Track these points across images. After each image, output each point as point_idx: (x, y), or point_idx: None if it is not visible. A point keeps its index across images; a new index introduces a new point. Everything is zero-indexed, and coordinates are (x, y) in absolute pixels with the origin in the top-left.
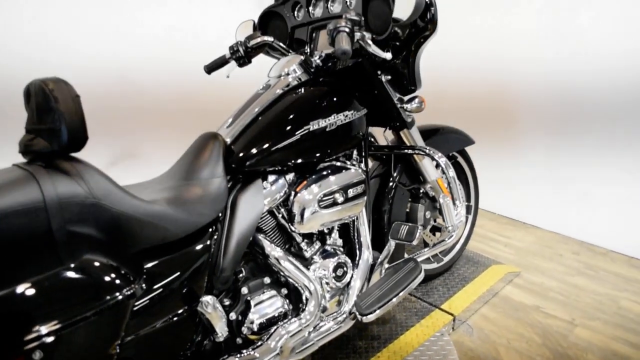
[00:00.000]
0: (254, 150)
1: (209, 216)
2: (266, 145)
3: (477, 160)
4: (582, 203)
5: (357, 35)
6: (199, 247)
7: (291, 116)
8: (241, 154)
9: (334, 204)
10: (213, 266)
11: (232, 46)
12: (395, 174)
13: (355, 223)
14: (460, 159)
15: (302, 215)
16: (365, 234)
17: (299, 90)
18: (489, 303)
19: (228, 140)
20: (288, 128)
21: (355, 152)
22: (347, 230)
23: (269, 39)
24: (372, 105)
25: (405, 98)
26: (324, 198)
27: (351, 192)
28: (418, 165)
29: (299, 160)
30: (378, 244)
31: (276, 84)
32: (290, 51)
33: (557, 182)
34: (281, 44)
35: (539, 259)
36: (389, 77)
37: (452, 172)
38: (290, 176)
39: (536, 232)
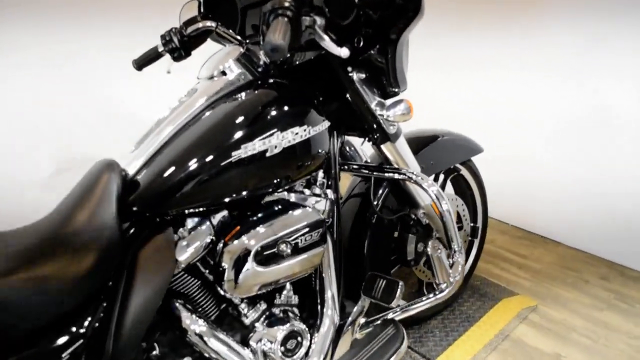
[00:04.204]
0: (163, 186)
1: (88, 289)
2: (181, 178)
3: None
4: (611, 216)
5: (306, 20)
6: (71, 334)
7: (218, 137)
8: (146, 192)
9: (279, 258)
10: (99, 355)
11: (164, 35)
12: (375, 202)
13: (317, 274)
14: (464, 171)
15: (235, 274)
16: (330, 287)
17: (235, 97)
18: (498, 349)
19: (130, 172)
20: (212, 154)
21: (321, 174)
22: (306, 281)
23: (212, 24)
24: (346, 111)
25: (387, 102)
26: (264, 252)
27: (303, 241)
28: (407, 187)
29: (227, 199)
30: (356, 282)
31: (204, 89)
32: (241, 41)
33: (582, 190)
34: (230, 32)
35: (559, 287)
36: (363, 75)
37: (445, 205)
38: (217, 218)
39: (557, 250)
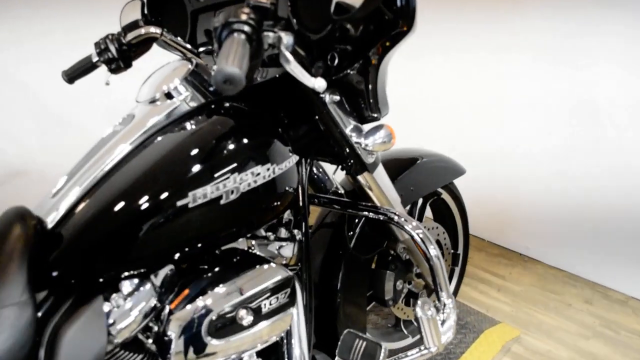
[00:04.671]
0: (91, 244)
1: None
2: (114, 234)
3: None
4: (593, 233)
5: (269, 37)
6: None
7: (159, 181)
8: (69, 251)
9: (239, 327)
10: None
11: (99, 42)
12: (350, 233)
13: (284, 338)
14: (445, 195)
15: (184, 348)
16: (299, 343)
17: (181, 127)
18: None
19: (49, 224)
20: (152, 203)
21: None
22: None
23: (156, 30)
24: (316, 135)
25: (365, 128)
26: (220, 320)
27: (268, 305)
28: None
29: (172, 256)
30: (327, 325)
31: (144, 116)
32: (192, 51)
33: (562, 205)
34: (179, 40)
35: (542, 312)
36: (337, 97)
37: (434, 251)
38: (160, 276)
39: (536, 269)
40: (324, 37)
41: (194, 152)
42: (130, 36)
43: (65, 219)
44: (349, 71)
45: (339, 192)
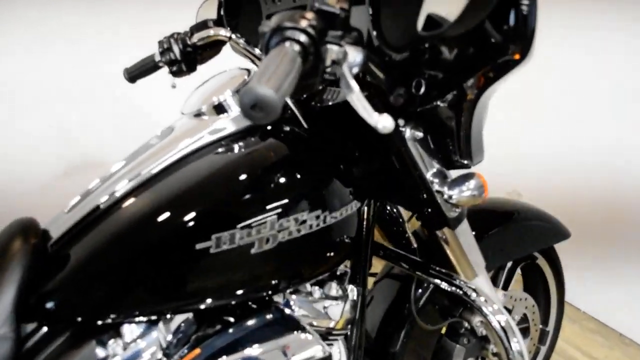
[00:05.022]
0: (96, 279)
1: None
2: (123, 267)
3: None
4: None
5: (332, 51)
6: None
7: (182, 213)
8: (70, 281)
9: None
10: None
11: (163, 41)
12: (415, 295)
13: None
14: (540, 260)
15: None
16: None
17: (223, 151)
18: None
19: (55, 243)
20: (169, 237)
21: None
22: None
23: (225, 33)
24: (390, 175)
25: (451, 175)
26: None
27: None
28: None
29: (192, 305)
30: None
31: (184, 131)
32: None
33: None
34: (248, 46)
35: None
36: (420, 134)
37: (516, 345)
38: (171, 327)
39: (638, 355)
40: (408, 57)
41: (228, 184)
42: (196, 37)
43: (73, 241)
44: (438, 103)
45: (411, 241)
